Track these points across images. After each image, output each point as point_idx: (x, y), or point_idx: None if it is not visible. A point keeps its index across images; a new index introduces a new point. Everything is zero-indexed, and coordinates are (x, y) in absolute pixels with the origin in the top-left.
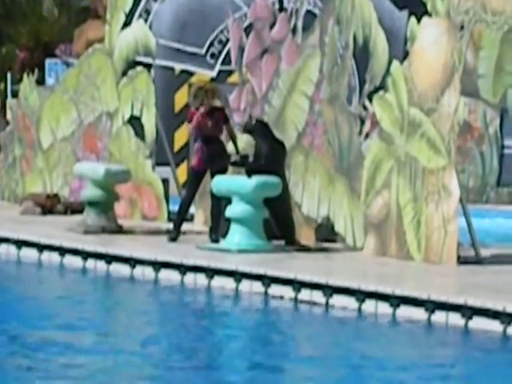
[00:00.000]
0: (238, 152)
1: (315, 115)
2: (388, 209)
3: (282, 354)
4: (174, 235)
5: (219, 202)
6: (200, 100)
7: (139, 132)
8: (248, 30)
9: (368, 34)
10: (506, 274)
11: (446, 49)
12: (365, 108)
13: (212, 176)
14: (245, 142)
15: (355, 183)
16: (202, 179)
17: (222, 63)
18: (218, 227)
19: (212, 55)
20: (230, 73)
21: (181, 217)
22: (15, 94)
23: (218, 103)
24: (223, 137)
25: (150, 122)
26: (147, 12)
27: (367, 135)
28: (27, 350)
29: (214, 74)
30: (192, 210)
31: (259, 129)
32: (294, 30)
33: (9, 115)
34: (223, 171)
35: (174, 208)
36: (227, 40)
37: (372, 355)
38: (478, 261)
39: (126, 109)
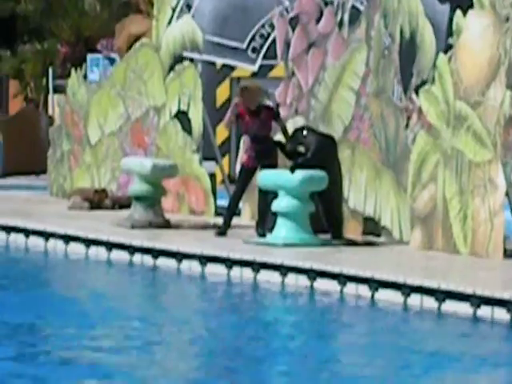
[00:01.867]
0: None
1: (361, 109)
2: (434, 202)
3: (334, 346)
4: (223, 230)
5: (266, 197)
6: (247, 100)
7: (186, 126)
8: (292, 23)
9: (415, 26)
10: None
11: (492, 42)
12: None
13: (249, 175)
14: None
15: (401, 177)
16: (252, 176)
17: (264, 57)
18: (265, 221)
19: (253, 49)
20: (272, 67)
21: (230, 212)
22: (57, 90)
23: (265, 102)
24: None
25: (196, 117)
26: (189, 7)
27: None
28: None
29: (255, 68)
30: (239, 204)
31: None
32: (340, 24)
33: (51, 110)
34: (272, 167)
35: (221, 203)
36: (268, 34)
37: (418, 349)
38: None
39: (173, 103)
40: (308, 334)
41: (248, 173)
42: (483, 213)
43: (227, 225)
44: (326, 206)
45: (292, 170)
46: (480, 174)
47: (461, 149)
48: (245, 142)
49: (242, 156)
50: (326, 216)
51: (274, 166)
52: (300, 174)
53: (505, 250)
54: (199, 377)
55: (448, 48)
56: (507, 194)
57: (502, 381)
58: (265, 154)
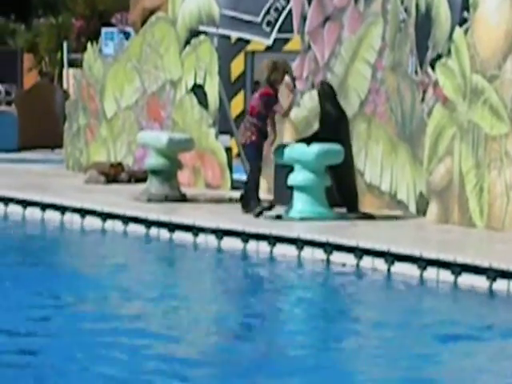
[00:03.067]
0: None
1: (378, 83)
2: (450, 176)
3: (353, 319)
4: (260, 209)
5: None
6: (277, 75)
7: (202, 100)
8: None
9: (430, 0)
10: None
11: (508, 15)
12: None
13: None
14: (308, 109)
15: (418, 150)
16: (262, 151)
17: (278, 31)
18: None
19: (268, 23)
20: (286, 41)
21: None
22: (71, 64)
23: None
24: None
25: (213, 91)
26: None
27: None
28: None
29: (269, 42)
30: None
31: (327, 92)
32: None
33: (66, 84)
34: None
35: (237, 176)
36: (283, 8)
37: (432, 322)
38: None
39: (190, 77)
40: (324, 307)
41: (260, 149)
42: (499, 186)
43: (258, 203)
44: (338, 179)
45: (309, 142)
46: (496, 147)
47: (477, 122)
48: (253, 122)
49: (246, 135)
50: (340, 190)
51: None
52: (316, 147)
53: None
54: (218, 340)
55: (463, 22)
56: None
57: None
58: (267, 135)
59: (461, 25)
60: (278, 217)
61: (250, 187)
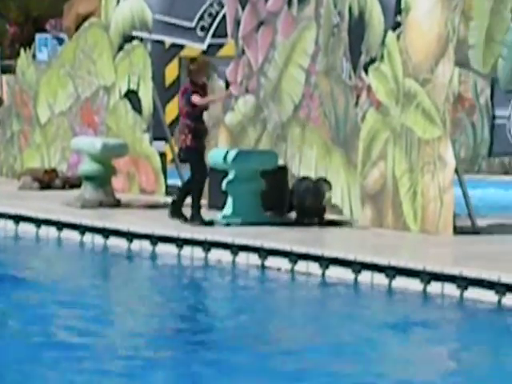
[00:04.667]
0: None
1: (311, 87)
2: (384, 180)
3: (287, 320)
4: (200, 220)
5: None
6: (195, 73)
7: (136, 106)
8: (242, 1)
9: (363, 4)
10: (501, 244)
11: (440, 19)
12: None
13: (202, 155)
14: (242, 114)
15: (352, 154)
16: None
17: (213, 36)
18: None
19: (202, 28)
20: (221, 46)
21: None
22: (5, 70)
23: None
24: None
25: (146, 96)
26: None
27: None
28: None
29: (204, 47)
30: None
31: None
32: (290, 2)
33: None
34: (204, 149)
35: (171, 182)
36: (217, 13)
37: (368, 324)
38: (474, 231)
39: (123, 83)
40: (257, 310)
41: (199, 153)
42: (433, 190)
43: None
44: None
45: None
46: (429, 151)
47: (410, 126)
48: (185, 123)
49: (181, 138)
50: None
51: (204, 149)
52: (249, 153)
53: (454, 227)
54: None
55: (396, 26)
56: (457, 171)
57: (449, 354)
58: (203, 134)
59: (394, 29)
60: (210, 222)
61: (193, 196)
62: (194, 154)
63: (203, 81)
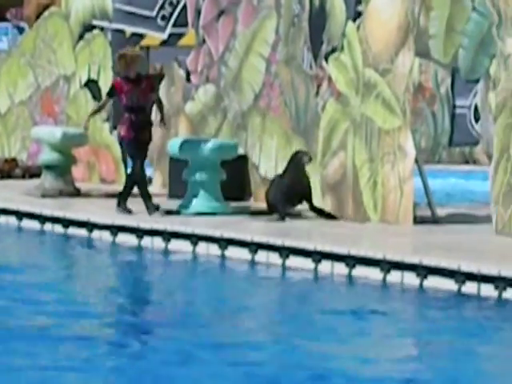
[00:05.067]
0: (163, 121)
1: (272, 76)
2: (344, 170)
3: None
4: (154, 207)
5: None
6: (120, 69)
7: (96, 95)
8: None
9: None
10: (460, 234)
11: (400, 9)
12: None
13: (139, 147)
14: (203, 104)
15: (312, 144)
16: (145, 147)
17: (173, 25)
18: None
19: (163, 17)
20: (181, 35)
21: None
22: None
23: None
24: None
25: (107, 86)
26: None
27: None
28: None
29: (164, 36)
30: (150, 172)
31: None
32: None
33: None
34: (147, 143)
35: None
36: (178, 2)
37: (327, 312)
38: (434, 220)
39: (83, 72)
40: (214, 300)
41: (136, 145)
42: (393, 180)
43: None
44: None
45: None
46: (389, 141)
47: (370, 116)
48: (124, 114)
49: (119, 129)
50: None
51: (148, 141)
52: (210, 142)
53: (414, 217)
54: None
55: (357, 16)
56: (416, 161)
57: (408, 342)
58: (142, 126)
59: (355, 19)
60: (171, 212)
61: (125, 185)
62: (128, 146)
63: (135, 74)
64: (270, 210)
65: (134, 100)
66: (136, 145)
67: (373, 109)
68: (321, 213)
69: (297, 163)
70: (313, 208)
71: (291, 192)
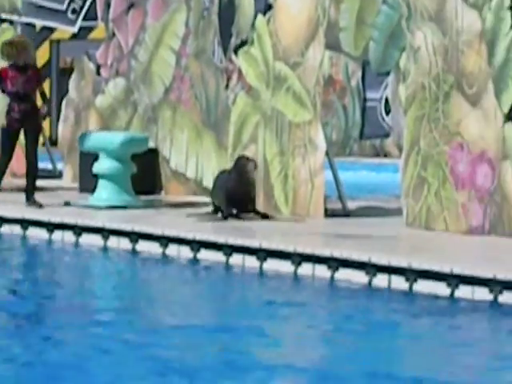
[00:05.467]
0: (49, 113)
1: (182, 70)
2: None
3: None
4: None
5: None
6: (9, 56)
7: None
8: None
9: None
10: (371, 226)
11: (310, 2)
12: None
13: (25, 135)
14: (113, 97)
15: (223, 137)
16: (16, 139)
17: (84, 19)
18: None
19: (73, 11)
20: (91, 29)
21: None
22: None
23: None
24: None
25: None
26: None
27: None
28: None
29: (75, 29)
30: (61, 166)
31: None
32: None
33: None
34: (36, 131)
35: (42, 165)
36: None
37: (237, 303)
38: (345, 213)
39: None
40: (126, 295)
41: (12, 135)
42: (304, 173)
43: None
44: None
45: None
46: (300, 134)
47: (281, 110)
48: (8, 103)
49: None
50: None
51: (37, 129)
52: (120, 135)
53: (325, 210)
54: None
55: (267, 9)
56: (327, 154)
57: (319, 334)
58: (28, 115)
59: (265, 11)
60: (67, 203)
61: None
62: (4, 133)
63: (23, 62)
64: (215, 209)
65: (19, 87)
66: (11, 136)
67: (283, 102)
68: (257, 213)
69: (239, 169)
70: (252, 211)
71: (232, 198)
